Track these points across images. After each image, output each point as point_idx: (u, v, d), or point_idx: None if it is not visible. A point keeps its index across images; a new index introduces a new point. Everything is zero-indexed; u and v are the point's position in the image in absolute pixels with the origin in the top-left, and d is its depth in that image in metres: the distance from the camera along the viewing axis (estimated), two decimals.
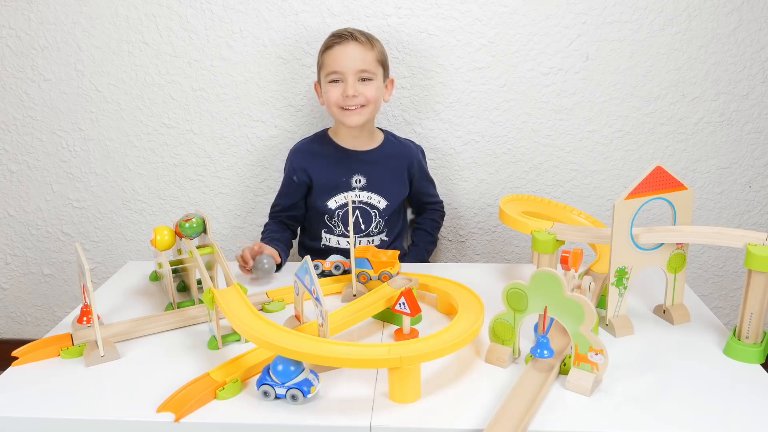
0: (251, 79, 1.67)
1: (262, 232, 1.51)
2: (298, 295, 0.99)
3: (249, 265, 1.25)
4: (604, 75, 1.63)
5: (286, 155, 1.74)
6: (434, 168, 1.70)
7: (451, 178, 1.73)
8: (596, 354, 0.82)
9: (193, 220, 1.10)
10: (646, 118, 1.67)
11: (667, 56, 1.61)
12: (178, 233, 1.11)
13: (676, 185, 1.00)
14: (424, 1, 1.60)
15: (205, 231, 1.12)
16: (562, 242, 1.11)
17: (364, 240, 1.48)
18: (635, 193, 0.96)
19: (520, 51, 1.62)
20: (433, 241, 1.60)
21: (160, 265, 1.20)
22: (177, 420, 0.78)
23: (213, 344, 0.97)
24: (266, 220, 1.79)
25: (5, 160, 1.79)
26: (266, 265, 1.23)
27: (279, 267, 1.32)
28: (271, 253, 1.29)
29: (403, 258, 1.47)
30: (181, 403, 0.80)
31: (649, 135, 1.69)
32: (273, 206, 1.54)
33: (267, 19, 1.63)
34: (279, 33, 1.63)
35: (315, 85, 1.48)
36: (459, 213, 1.77)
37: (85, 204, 1.81)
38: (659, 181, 0.98)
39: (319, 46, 1.63)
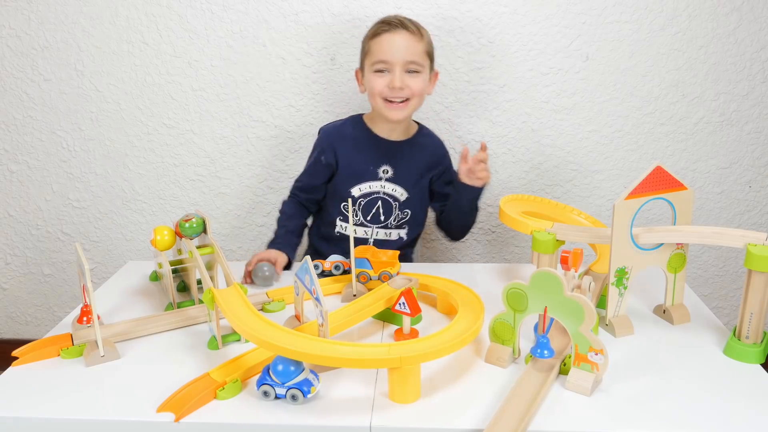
0: (251, 79, 1.67)
1: (279, 217, 1.45)
2: (298, 295, 0.99)
3: (249, 268, 1.23)
4: (604, 75, 1.63)
5: (286, 155, 1.74)
6: None
7: None
8: (596, 354, 0.82)
9: (193, 220, 1.10)
10: (646, 118, 1.67)
11: (667, 56, 1.62)
12: (178, 233, 1.11)
13: (676, 185, 1.00)
14: (424, 1, 1.60)
15: (205, 231, 1.12)
16: (562, 242, 1.11)
17: (381, 231, 1.43)
18: (635, 193, 0.96)
19: (520, 51, 1.62)
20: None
21: (160, 265, 1.20)
22: (177, 420, 0.78)
23: (213, 344, 0.97)
24: (266, 219, 1.79)
25: (5, 160, 1.79)
26: (267, 273, 1.22)
27: (289, 265, 1.30)
28: (275, 259, 1.26)
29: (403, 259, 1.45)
30: (181, 403, 0.80)
31: (649, 135, 1.69)
32: (296, 181, 1.47)
33: (267, 19, 1.63)
34: (279, 33, 1.63)
35: (356, 72, 1.41)
36: None
37: (85, 204, 1.81)
38: (659, 181, 0.98)
39: (319, 45, 1.64)
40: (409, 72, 1.31)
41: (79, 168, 1.78)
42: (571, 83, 1.64)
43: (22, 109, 1.74)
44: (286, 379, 0.80)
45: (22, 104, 1.73)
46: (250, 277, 1.24)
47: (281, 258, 1.28)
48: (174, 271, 1.12)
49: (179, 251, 1.18)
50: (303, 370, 0.82)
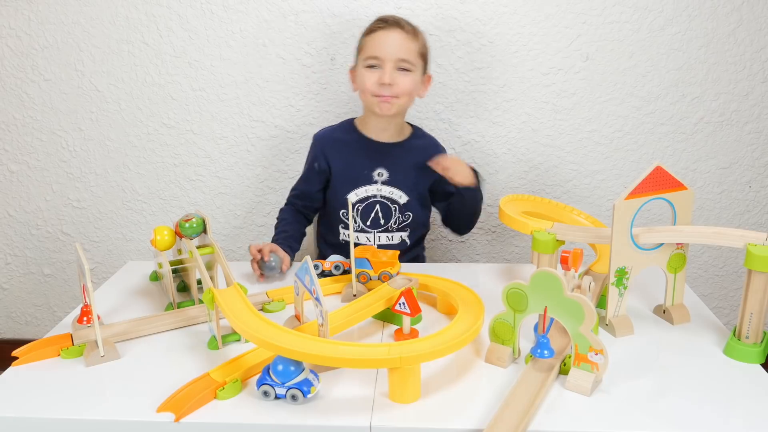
0: (251, 79, 1.67)
1: (277, 222, 1.46)
2: (298, 295, 0.99)
3: (257, 258, 1.24)
4: (604, 75, 1.63)
5: (286, 155, 1.74)
6: None
7: None
8: (596, 354, 0.82)
9: (193, 220, 1.10)
10: (646, 118, 1.67)
11: (667, 56, 1.62)
12: (178, 233, 1.11)
13: (676, 185, 1.00)
14: (424, 1, 1.60)
15: (205, 231, 1.12)
16: (562, 242, 1.11)
17: (383, 236, 1.43)
18: (635, 193, 0.96)
19: (520, 51, 1.62)
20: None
21: (160, 265, 1.20)
22: (177, 420, 0.78)
23: (213, 344, 0.97)
24: (266, 220, 1.79)
25: (5, 160, 1.79)
26: (273, 263, 1.23)
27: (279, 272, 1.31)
28: (283, 256, 1.27)
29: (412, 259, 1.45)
30: (181, 403, 0.80)
31: (649, 135, 1.69)
32: (292, 189, 1.49)
33: (267, 19, 1.63)
34: (279, 33, 1.63)
35: (351, 70, 1.41)
36: None
37: (85, 204, 1.81)
38: (659, 181, 0.98)
39: (319, 45, 1.64)
40: (400, 70, 1.31)
41: (79, 168, 1.78)
42: (571, 83, 1.64)
43: (22, 109, 1.74)
44: (286, 379, 0.80)
45: (22, 104, 1.73)
46: (259, 266, 1.24)
47: (287, 258, 1.29)
48: (174, 271, 1.12)
49: (179, 251, 1.18)
50: (303, 370, 0.82)
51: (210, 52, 1.66)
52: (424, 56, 1.37)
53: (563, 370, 0.87)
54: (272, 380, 0.81)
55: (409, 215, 1.43)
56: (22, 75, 1.70)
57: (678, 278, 1.04)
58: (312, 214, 1.50)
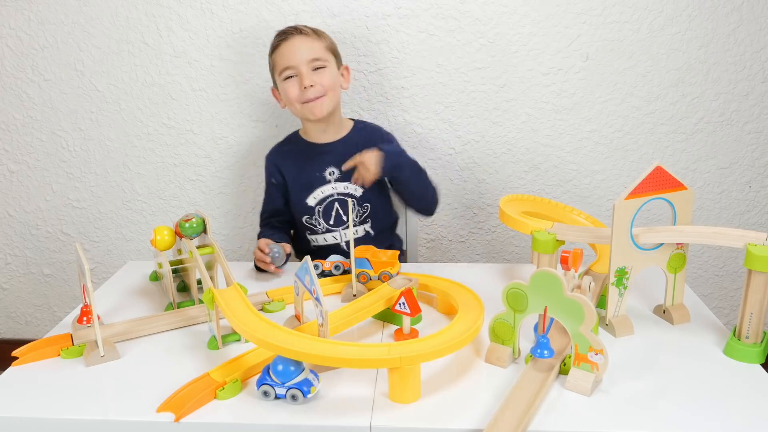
0: (251, 79, 1.67)
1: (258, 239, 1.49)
2: (298, 295, 0.99)
3: (267, 258, 1.25)
4: (604, 75, 1.63)
5: None
6: (434, 168, 1.71)
7: (452, 178, 1.73)
8: (596, 354, 0.82)
9: (193, 220, 1.10)
10: (646, 118, 1.67)
11: (667, 56, 1.62)
12: (178, 233, 1.11)
13: (676, 185, 1.00)
14: (424, 1, 1.60)
15: (205, 231, 1.12)
16: (562, 242, 1.11)
17: (348, 232, 1.44)
18: (635, 193, 0.96)
19: (520, 51, 1.62)
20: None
21: (160, 265, 1.20)
22: (177, 420, 0.78)
23: (213, 344, 0.97)
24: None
25: (5, 160, 1.79)
26: (277, 254, 1.25)
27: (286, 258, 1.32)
28: (281, 245, 1.29)
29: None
30: (181, 403, 0.80)
31: (649, 135, 1.69)
32: (261, 213, 1.52)
33: (267, 19, 1.63)
34: None
35: (272, 91, 1.44)
36: (459, 213, 1.77)
37: (85, 204, 1.81)
38: (659, 181, 0.98)
39: None
40: (315, 70, 1.35)
41: (79, 168, 1.78)
42: (571, 83, 1.64)
43: (22, 109, 1.74)
44: (286, 379, 0.81)
45: (22, 104, 1.73)
46: (266, 263, 1.25)
47: (285, 244, 1.30)
48: (174, 271, 1.12)
49: (179, 251, 1.18)
50: (303, 370, 0.82)
51: (210, 52, 1.66)
52: (333, 51, 1.40)
53: (563, 370, 0.87)
54: (272, 380, 0.81)
55: (368, 206, 1.44)
56: (22, 75, 1.71)
57: (678, 278, 1.04)
58: (288, 227, 1.52)
